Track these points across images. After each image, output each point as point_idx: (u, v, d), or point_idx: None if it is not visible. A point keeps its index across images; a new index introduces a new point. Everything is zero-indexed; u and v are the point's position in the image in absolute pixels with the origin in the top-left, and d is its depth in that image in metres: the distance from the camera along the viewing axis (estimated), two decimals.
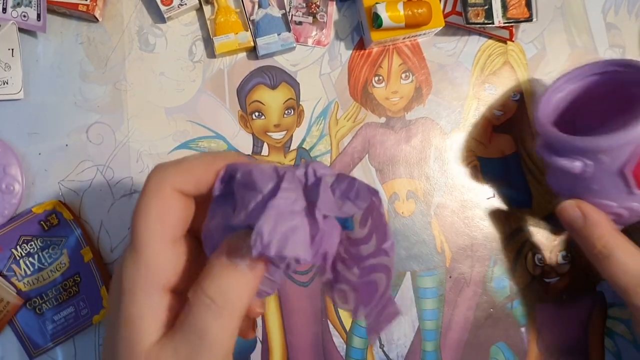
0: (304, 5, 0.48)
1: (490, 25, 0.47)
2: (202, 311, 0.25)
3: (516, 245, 0.49)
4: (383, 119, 0.49)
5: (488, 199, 0.49)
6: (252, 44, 0.47)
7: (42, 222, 0.44)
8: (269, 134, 0.48)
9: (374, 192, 0.25)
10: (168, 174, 0.27)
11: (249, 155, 0.48)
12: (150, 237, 0.26)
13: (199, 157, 0.28)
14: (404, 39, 0.48)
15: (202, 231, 0.28)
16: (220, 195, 0.27)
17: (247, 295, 0.26)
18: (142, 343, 0.25)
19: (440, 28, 0.47)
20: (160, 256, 0.26)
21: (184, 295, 0.27)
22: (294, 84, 0.49)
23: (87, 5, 0.45)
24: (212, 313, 0.25)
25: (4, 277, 0.44)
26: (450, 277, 0.48)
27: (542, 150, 0.42)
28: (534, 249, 0.49)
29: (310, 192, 0.25)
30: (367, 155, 0.49)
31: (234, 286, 0.26)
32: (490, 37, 0.50)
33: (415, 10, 0.44)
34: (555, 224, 0.48)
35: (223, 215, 0.27)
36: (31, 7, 0.45)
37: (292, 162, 0.48)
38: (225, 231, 0.27)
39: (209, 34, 0.47)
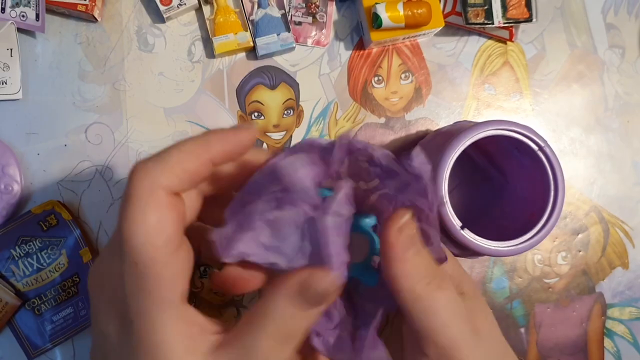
0: (304, 5, 0.48)
1: (490, 26, 0.46)
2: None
3: None
4: (383, 120, 0.49)
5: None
6: (251, 44, 0.47)
7: (40, 223, 0.44)
8: (268, 134, 0.48)
9: None
10: (158, 175, 0.24)
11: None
12: (155, 253, 0.23)
13: (186, 147, 0.25)
14: (403, 39, 0.48)
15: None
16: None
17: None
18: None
19: (440, 28, 0.47)
20: (170, 269, 0.24)
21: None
22: (293, 84, 0.49)
23: (86, 5, 0.45)
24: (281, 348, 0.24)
25: (3, 277, 0.44)
26: None
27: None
28: (534, 249, 0.49)
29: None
30: None
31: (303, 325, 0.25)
32: (490, 37, 0.50)
33: (415, 11, 0.44)
34: None
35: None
36: (30, 7, 0.45)
37: None
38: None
39: (208, 34, 0.47)
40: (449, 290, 0.28)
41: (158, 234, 0.23)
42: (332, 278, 0.24)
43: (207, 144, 0.25)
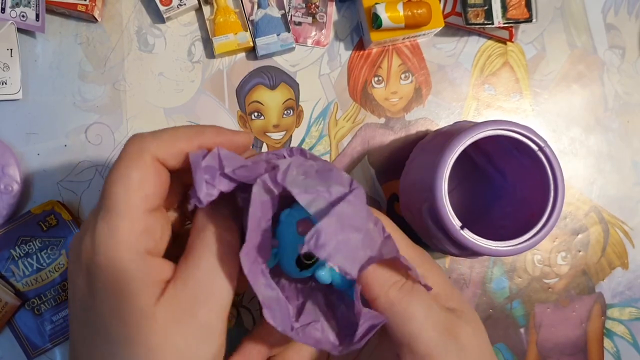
0: (304, 5, 0.48)
1: (489, 26, 0.46)
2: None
3: None
4: (382, 120, 0.49)
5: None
6: (251, 44, 0.47)
7: (40, 223, 0.44)
8: (268, 134, 0.48)
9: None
10: (149, 142, 0.26)
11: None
12: (130, 207, 0.25)
13: (182, 130, 0.27)
14: (403, 39, 0.48)
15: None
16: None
17: None
18: (145, 308, 0.24)
19: (440, 28, 0.47)
20: (141, 225, 0.25)
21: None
22: (293, 85, 0.49)
23: (86, 6, 0.45)
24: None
25: (3, 277, 0.44)
26: (449, 277, 0.48)
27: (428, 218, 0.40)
28: (533, 249, 0.49)
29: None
30: (366, 156, 0.49)
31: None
32: (490, 37, 0.50)
33: (415, 11, 0.44)
34: None
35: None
36: (30, 7, 0.45)
37: None
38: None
39: (208, 34, 0.47)
40: (423, 295, 0.28)
41: (136, 190, 0.25)
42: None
43: (202, 132, 0.27)
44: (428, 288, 0.29)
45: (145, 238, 0.25)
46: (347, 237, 0.24)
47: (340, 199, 0.25)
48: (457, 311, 0.29)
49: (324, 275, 0.28)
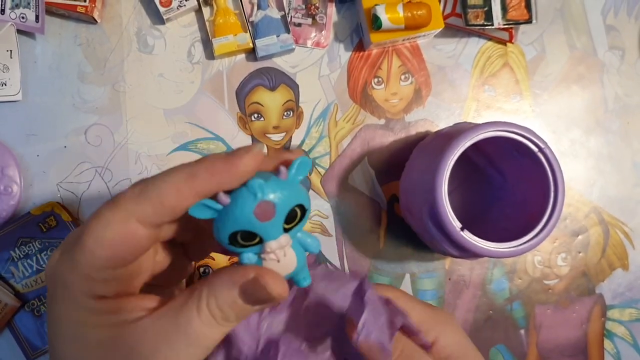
0: (303, 6, 0.48)
1: (489, 27, 0.46)
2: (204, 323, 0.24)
3: None
4: (382, 121, 0.49)
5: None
6: (251, 45, 0.47)
7: (40, 224, 0.44)
8: (268, 135, 0.48)
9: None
10: (132, 209, 0.23)
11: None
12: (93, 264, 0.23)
13: (170, 179, 0.23)
14: (403, 40, 0.48)
15: None
16: None
17: None
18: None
19: (440, 30, 0.47)
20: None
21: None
22: (293, 86, 0.48)
23: (86, 7, 0.45)
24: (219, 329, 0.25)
25: (2, 279, 0.44)
26: (449, 279, 0.48)
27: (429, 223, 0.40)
28: (534, 250, 0.49)
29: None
30: (366, 157, 0.49)
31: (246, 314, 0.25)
32: (490, 38, 0.50)
33: (415, 12, 0.44)
34: None
35: None
36: (30, 9, 0.45)
37: None
38: None
39: (208, 36, 0.47)
40: None
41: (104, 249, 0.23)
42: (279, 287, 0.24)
43: (193, 178, 0.23)
44: (427, 347, 0.29)
45: (104, 287, 0.24)
46: (380, 322, 0.27)
47: (361, 291, 0.28)
48: None
49: (249, 259, 0.26)
